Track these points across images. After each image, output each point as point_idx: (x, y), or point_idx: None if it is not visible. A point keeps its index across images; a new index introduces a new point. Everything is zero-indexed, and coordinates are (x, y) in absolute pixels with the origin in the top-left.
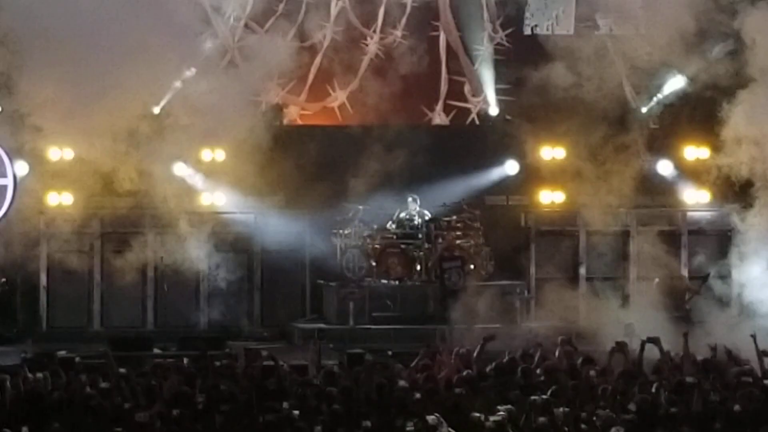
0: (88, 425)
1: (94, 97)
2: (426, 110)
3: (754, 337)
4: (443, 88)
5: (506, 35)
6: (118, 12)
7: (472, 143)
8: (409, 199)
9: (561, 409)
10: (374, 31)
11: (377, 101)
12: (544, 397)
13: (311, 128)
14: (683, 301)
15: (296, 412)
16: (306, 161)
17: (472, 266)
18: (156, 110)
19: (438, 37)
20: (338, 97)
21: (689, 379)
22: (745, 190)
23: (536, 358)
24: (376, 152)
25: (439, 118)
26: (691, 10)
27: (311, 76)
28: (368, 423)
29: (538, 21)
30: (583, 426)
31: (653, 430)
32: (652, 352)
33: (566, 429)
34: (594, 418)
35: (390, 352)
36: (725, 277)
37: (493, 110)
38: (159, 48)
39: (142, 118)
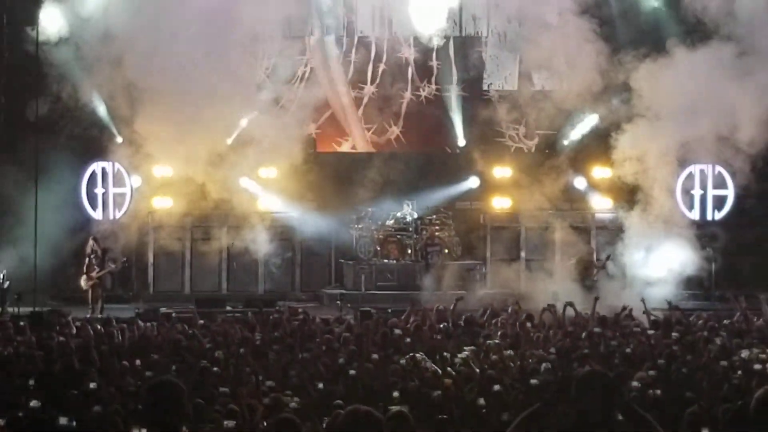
0: (181, 359)
1: (186, 131)
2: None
3: (643, 300)
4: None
5: (469, 90)
6: (202, 70)
7: (448, 165)
8: (405, 203)
9: (508, 351)
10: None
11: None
12: (496, 341)
13: (334, 154)
14: (592, 275)
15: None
16: (331, 176)
17: (446, 250)
18: (229, 141)
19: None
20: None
21: (596, 330)
22: (632, 197)
23: (488, 314)
24: (380, 170)
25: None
26: (599, 69)
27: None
28: (375, 356)
29: (493, 80)
30: (523, 362)
31: (571, 365)
32: (570, 311)
33: (511, 364)
34: (530, 357)
35: (389, 310)
36: (618, 258)
37: (461, 142)
38: (230, 96)
39: (220, 146)
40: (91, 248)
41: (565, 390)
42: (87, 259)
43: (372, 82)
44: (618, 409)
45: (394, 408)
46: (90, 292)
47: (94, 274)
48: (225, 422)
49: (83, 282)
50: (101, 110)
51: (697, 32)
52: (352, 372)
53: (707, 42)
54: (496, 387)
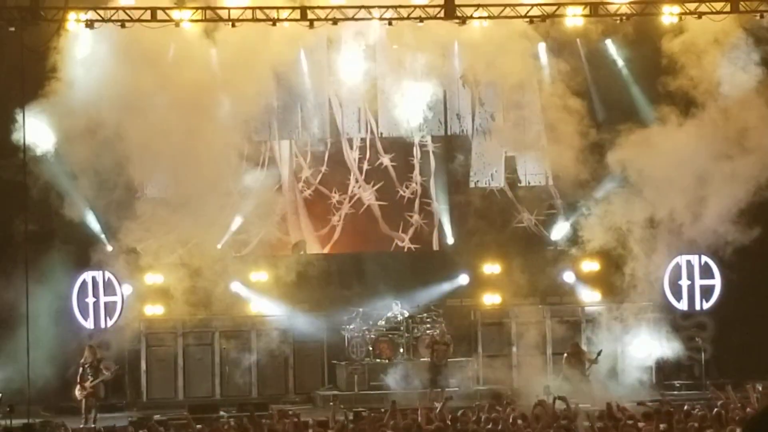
0: None
1: (175, 241)
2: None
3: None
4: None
5: (456, 188)
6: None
7: (437, 263)
8: (394, 303)
9: None
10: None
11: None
12: None
13: (326, 256)
14: (584, 369)
15: None
16: (322, 279)
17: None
18: (219, 246)
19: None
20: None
21: (586, 424)
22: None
23: (483, 412)
24: (370, 271)
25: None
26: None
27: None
28: None
29: (480, 178)
30: None
31: None
32: (561, 405)
33: None
34: None
35: (383, 410)
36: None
37: (450, 240)
38: (217, 205)
39: (208, 252)
40: (86, 358)
41: None
42: (81, 369)
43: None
44: None
45: None
46: (84, 402)
47: (87, 384)
48: None
49: (77, 392)
50: (91, 220)
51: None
52: None
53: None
54: None
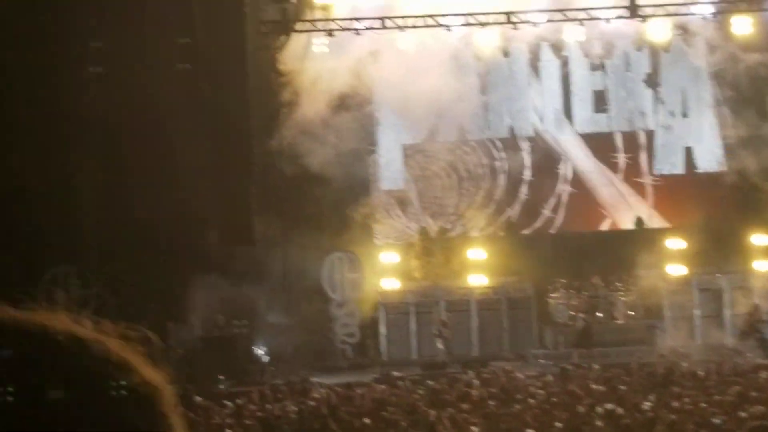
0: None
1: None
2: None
3: None
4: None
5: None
6: None
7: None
8: (593, 273)
9: None
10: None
11: None
12: (676, 389)
13: (534, 236)
14: (761, 328)
15: None
16: (534, 256)
17: None
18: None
19: None
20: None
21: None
22: None
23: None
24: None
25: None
26: None
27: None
28: (580, 409)
29: (662, 166)
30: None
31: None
32: None
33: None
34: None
35: (584, 366)
36: None
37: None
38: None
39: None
40: None
41: None
42: None
43: None
44: None
45: None
46: None
47: None
48: None
49: None
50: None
51: None
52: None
53: None
54: None
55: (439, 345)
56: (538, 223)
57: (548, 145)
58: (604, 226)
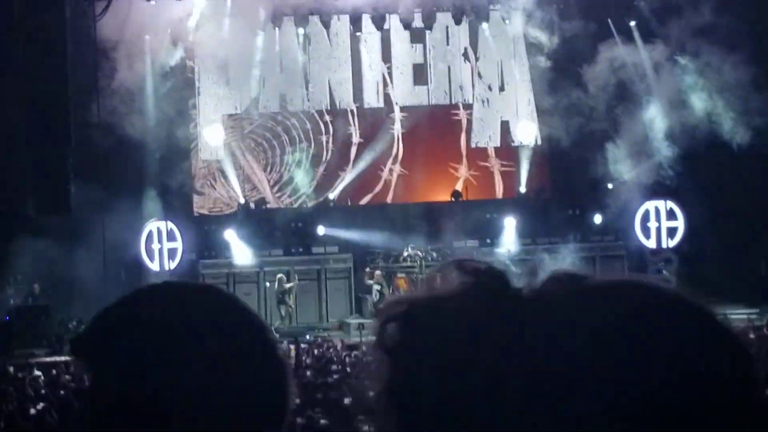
0: None
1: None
2: None
3: None
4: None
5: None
6: None
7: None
8: (409, 245)
9: None
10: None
11: None
12: None
13: (350, 207)
14: None
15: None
16: (351, 226)
17: None
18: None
19: None
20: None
21: None
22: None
23: None
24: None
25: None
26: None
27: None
28: None
29: (479, 139)
30: None
31: None
32: None
33: None
34: None
35: None
36: None
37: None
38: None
39: (257, 205)
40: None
41: None
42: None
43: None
44: None
45: None
46: None
47: None
48: None
49: None
50: (155, 180)
51: None
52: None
53: None
54: None
55: (282, 312)
56: (360, 195)
57: (369, 117)
58: (423, 198)
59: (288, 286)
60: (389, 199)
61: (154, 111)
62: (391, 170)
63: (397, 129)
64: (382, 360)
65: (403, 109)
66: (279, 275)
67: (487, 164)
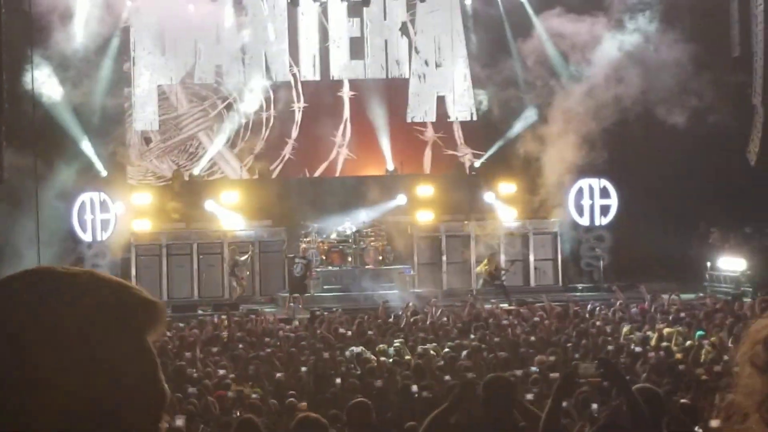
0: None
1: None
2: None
3: (544, 295)
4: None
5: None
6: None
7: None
8: (345, 219)
9: (433, 344)
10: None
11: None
12: (421, 335)
13: (287, 180)
14: (500, 276)
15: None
16: (284, 198)
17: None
18: (197, 171)
19: None
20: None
21: (504, 322)
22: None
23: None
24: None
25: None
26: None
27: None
28: (325, 354)
29: (415, 114)
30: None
31: (483, 353)
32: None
33: (433, 353)
34: (446, 349)
35: (334, 309)
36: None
37: (390, 166)
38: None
39: (190, 177)
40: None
41: (471, 390)
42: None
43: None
44: (515, 408)
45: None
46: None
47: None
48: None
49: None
50: (89, 149)
51: None
52: (303, 368)
53: None
54: (414, 387)
55: (233, 284)
56: (294, 168)
57: (306, 89)
58: (356, 171)
59: (242, 258)
60: (338, 173)
61: (88, 80)
62: (340, 145)
63: (346, 102)
64: (753, 376)
65: (340, 81)
66: (231, 246)
67: (423, 138)
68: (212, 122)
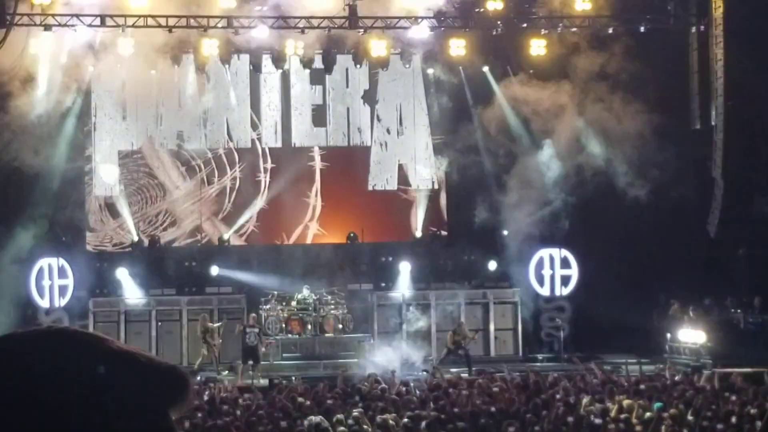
0: None
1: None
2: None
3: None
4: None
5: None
6: None
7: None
8: (304, 286)
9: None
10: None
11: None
12: (380, 404)
13: (250, 246)
14: (465, 344)
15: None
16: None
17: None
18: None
19: None
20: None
21: (464, 392)
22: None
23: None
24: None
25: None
26: None
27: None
28: (283, 423)
29: (376, 182)
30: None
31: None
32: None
33: (392, 423)
34: (405, 419)
35: (293, 378)
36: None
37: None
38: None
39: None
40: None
41: None
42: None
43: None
44: None
45: None
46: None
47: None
48: None
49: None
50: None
51: None
52: None
53: None
54: None
55: (204, 351)
56: (256, 235)
57: (266, 156)
58: (320, 239)
59: (214, 326)
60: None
61: (48, 146)
62: (310, 219)
63: (317, 168)
64: None
65: (301, 149)
66: (202, 314)
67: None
68: (176, 190)
